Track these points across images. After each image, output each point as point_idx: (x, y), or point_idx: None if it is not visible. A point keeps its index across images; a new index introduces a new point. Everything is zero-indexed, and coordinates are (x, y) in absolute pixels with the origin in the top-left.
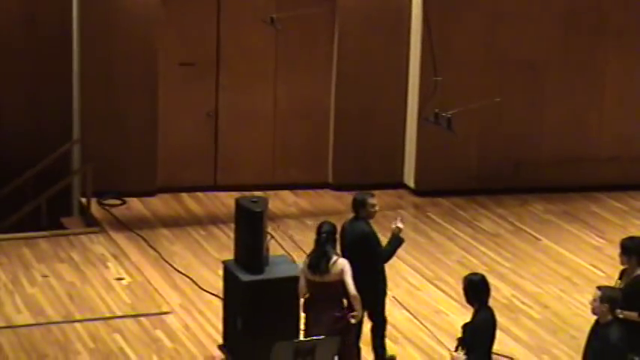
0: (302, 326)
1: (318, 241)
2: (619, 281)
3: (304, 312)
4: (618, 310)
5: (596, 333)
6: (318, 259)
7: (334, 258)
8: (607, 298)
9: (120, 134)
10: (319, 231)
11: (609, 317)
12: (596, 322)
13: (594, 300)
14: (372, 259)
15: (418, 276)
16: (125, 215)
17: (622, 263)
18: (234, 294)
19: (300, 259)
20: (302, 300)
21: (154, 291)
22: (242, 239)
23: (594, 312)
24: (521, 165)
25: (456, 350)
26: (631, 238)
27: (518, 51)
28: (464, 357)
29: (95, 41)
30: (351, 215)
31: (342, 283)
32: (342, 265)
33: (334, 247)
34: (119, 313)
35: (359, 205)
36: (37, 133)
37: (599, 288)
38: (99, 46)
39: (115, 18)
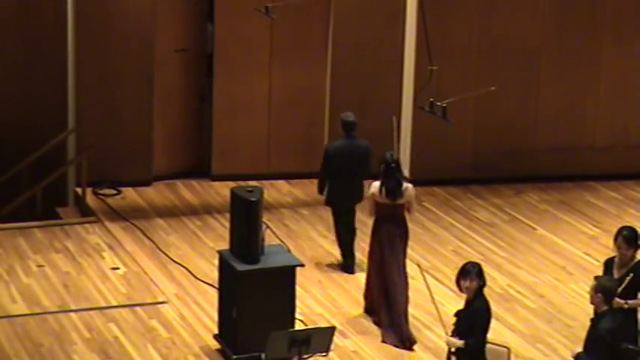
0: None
1: (389, 170)
2: (621, 271)
3: (373, 230)
4: (626, 302)
5: (592, 322)
6: (394, 186)
7: (405, 184)
8: (601, 288)
9: (115, 124)
10: (388, 160)
11: (604, 307)
12: (595, 311)
13: (591, 290)
14: (367, 171)
15: (413, 265)
16: (120, 205)
17: (621, 254)
18: (230, 284)
19: (295, 249)
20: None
21: (149, 281)
22: (237, 229)
23: (591, 302)
24: (517, 154)
25: (452, 336)
26: (631, 229)
27: (513, 39)
28: (460, 342)
29: (90, 29)
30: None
31: (406, 205)
32: (411, 189)
33: (402, 174)
34: (115, 303)
35: (354, 126)
36: (32, 123)
37: (595, 278)
38: (94, 35)
39: (111, 6)
